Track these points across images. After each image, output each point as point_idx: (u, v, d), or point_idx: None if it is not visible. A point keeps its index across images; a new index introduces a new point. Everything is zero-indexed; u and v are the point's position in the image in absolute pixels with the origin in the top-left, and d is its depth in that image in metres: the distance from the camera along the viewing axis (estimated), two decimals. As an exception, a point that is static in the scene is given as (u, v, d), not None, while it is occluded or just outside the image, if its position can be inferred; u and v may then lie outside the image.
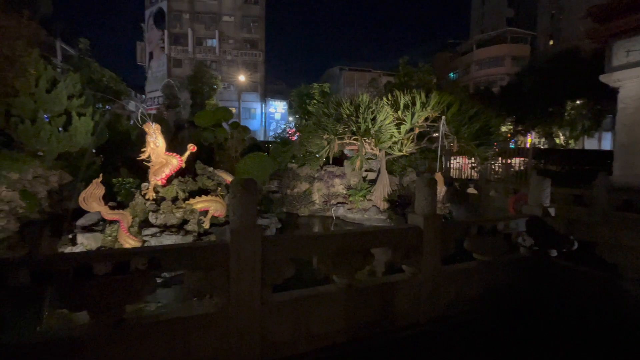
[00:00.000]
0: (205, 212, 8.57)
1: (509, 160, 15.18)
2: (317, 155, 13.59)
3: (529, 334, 3.35)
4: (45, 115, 12.04)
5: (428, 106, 11.89)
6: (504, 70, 38.96)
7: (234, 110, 24.48)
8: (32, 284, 1.91)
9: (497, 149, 13.56)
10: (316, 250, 2.98)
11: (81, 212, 8.38)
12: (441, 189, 11.01)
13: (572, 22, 31.78)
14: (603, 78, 10.62)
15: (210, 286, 2.53)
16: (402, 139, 12.42)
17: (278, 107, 41.49)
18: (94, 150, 14.81)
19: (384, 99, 12.99)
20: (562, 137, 24.20)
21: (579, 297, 3.80)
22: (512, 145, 23.20)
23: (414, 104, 12.05)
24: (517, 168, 14.93)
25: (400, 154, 12.82)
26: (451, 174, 16.28)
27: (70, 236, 8.02)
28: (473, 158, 14.26)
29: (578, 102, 22.20)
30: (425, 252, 3.38)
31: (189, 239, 7.91)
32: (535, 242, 4.16)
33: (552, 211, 4.23)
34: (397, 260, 3.45)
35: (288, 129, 29.29)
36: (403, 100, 12.21)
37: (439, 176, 11.09)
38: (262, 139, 33.36)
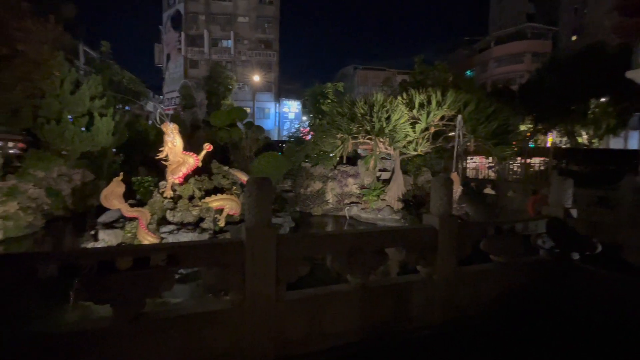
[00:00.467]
0: (220, 211, 8.72)
1: (528, 160, 14.75)
2: (331, 155, 13.60)
3: (547, 339, 3.26)
4: (69, 116, 12.52)
5: (444, 105, 11.70)
6: (524, 67, 37.84)
7: (248, 110, 24.73)
8: (60, 277, 2.01)
9: (515, 149, 13.20)
10: (330, 249, 2.99)
11: (103, 209, 8.65)
12: (457, 189, 10.82)
13: (596, 17, 30.53)
14: (630, 74, 10.19)
15: (226, 283, 2.58)
16: (417, 138, 12.27)
17: (292, 107, 41.67)
18: (114, 150, 15.30)
19: (399, 97, 12.87)
20: (585, 136, 23.31)
21: (602, 303, 3.66)
22: (531, 145, 22.54)
23: (429, 102, 11.88)
24: (536, 168, 14.49)
25: (415, 153, 12.67)
26: (467, 174, 15.96)
27: (92, 232, 8.31)
28: (490, 158, 13.94)
29: (602, 99, 21.32)
30: (440, 253, 3.34)
31: (205, 236, 8.07)
32: (556, 245, 4.03)
33: (574, 213, 4.10)
34: (412, 261, 3.42)
35: (302, 129, 29.41)
36: (418, 98, 12.06)
37: (455, 176, 10.90)
38: (275, 138, 33.61)
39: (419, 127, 12.03)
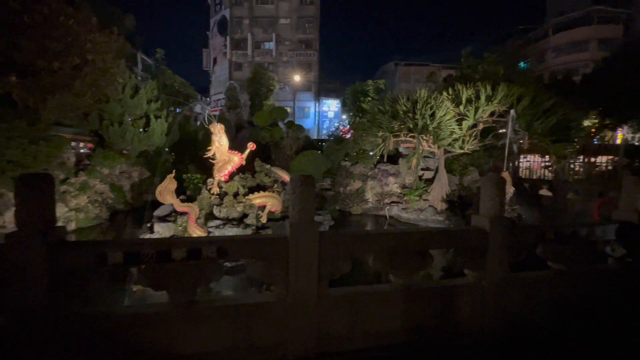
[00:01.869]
0: (263, 207, 9.01)
1: (592, 159, 13.30)
2: (371, 153, 13.41)
3: (611, 358, 2.92)
4: (129, 119, 13.74)
5: (494, 100, 10.95)
6: (588, 56, 34.13)
7: (289, 109, 25.24)
8: (125, 263, 2.22)
9: (577, 146, 11.95)
10: (373, 248, 2.94)
11: (157, 204, 9.36)
12: (509, 190, 10.10)
13: (681, -6, 26.56)
14: None
15: (270, 276, 2.66)
16: (464, 136, 11.62)
17: (331, 106, 41.77)
18: (167, 149, 16.50)
19: (444, 93, 12.28)
20: (663, 132, 20.45)
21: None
22: (596, 142, 20.28)
23: (477, 97, 11.19)
24: (603, 167, 13.01)
25: (461, 151, 12.01)
26: (520, 174, 14.81)
27: (148, 225, 9.03)
28: (547, 156, 12.79)
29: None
30: (490, 257, 3.13)
31: (248, 231, 8.39)
32: (628, 253, 3.60)
33: (650, 217, 3.62)
34: (459, 264, 3.25)
35: (341, 127, 29.36)
36: (465, 94, 11.42)
37: (506, 175, 10.18)
38: (315, 137, 33.95)
39: (466, 123, 11.38)
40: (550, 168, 13.72)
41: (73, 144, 12.53)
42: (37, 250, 2.07)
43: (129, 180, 13.83)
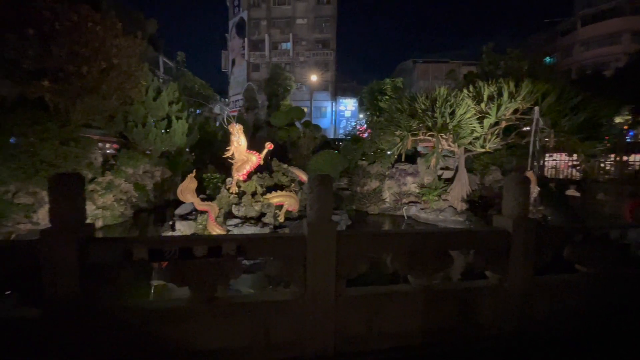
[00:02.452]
0: (280, 207, 9.09)
1: (624, 157, 12.60)
2: (389, 153, 13.26)
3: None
4: (152, 120, 14.18)
5: (518, 97, 10.58)
6: (620, 49, 32.36)
7: (305, 109, 25.35)
8: (149, 259, 2.30)
9: (608, 144, 11.35)
10: (391, 248, 2.91)
11: (178, 203, 9.64)
12: (533, 190, 9.74)
13: None
14: None
15: (288, 275, 2.68)
16: (485, 134, 11.30)
17: (348, 105, 41.60)
18: (187, 149, 16.94)
19: (464, 90, 11.98)
20: None
21: None
22: (628, 139, 19.19)
23: (500, 94, 10.86)
24: (636, 167, 12.31)
25: (483, 150, 11.68)
26: (546, 173, 14.24)
27: (170, 223, 9.32)
28: (575, 155, 12.23)
29: None
30: (513, 259, 3.03)
31: (266, 230, 8.50)
32: (665, 257, 3.38)
33: (691, 220, 3.39)
34: (480, 266, 3.17)
35: (358, 127, 29.17)
36: (487, 91, 11.10)
37: (530, 175, 9.81)
38: (332, 136, 33.91)
39: (488, 121, 11.06)
40: (578, 167, 13.10)
41: (100, 144, 13.08)
42: (68, 246, 2.19)
43: (152, 179, 14.29)
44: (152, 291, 6.09)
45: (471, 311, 3.06)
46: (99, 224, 10.99)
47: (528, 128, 11.06)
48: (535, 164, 11.87)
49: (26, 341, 2.25)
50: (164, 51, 35.80)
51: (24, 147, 8.94)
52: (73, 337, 2.27)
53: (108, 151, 13.92)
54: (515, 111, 11.09)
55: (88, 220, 2.42)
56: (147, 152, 14.21)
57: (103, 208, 11.42)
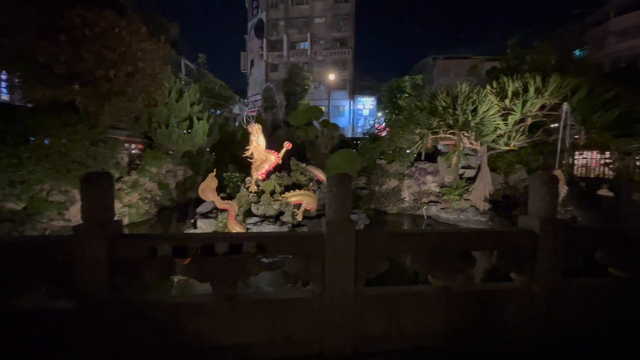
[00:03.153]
0: (298, 205, 9.15)
1: (663, 155, 11.81)
2: (408, 152, 13.05)
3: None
4: (174, 121, 14.62)
5: (545, 92, 10.14)
6: (658, 40, 30.36)
7: (323, 108, 25.37)
8: (173, 255, 2.38)
9: (645, 141, 10.68)
10: (412, 248, 2.87)
11: (200, 201, 9.88)
12: (562, 189, 9.31)
13: None
14: None
15: (307, 273, 2.69)
16: (510, 132, 10.91)
17: (366, 104, 41.27)
18: (208, 149, 17.34)
19: (487, 87, 11.61)
20: None
21: None
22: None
23: (525, 90, 10.44)
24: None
25: (507, 148, 11.28)
26: (575, 172, 13.59)
27: (192, 221, 9.57)
28: (608, 152, 11.59)
29: None
30: (540, 261, 2.91)
31: (285, 229, 8.57)
32: None
33: None
34: (504, 267, 3.06)
35: (377, 125, 28.90)
36: (512, 86, 10.70)
37: (559, 174, 9.39)
38: (350, 135, 33.76)
39: (512, 118, 10.66)
40: (611, 165, 12.41)
41: (126, 145, 13.62)
42: (99, 242, 2.29)
43: (174, 178, 14.74)
44: (175, 286, 6.28)
45: (495, 314, 2.96)
46: (125, 221, 11.44)
47: (556, 125, 10.58)
48: (564, 162, 11.34)
49: (59, 332, 2.38)
50: (185, 54, 36.76)
51: (56, 147, 9.44)
52: (102, 329, 2.38)
53: (133, 151, 14.47)
54: (542, 107, 10.63)
55: (115, 218, 2.52)
56: (170, 152, 14.66)
57: (129, 206, 11.89)
